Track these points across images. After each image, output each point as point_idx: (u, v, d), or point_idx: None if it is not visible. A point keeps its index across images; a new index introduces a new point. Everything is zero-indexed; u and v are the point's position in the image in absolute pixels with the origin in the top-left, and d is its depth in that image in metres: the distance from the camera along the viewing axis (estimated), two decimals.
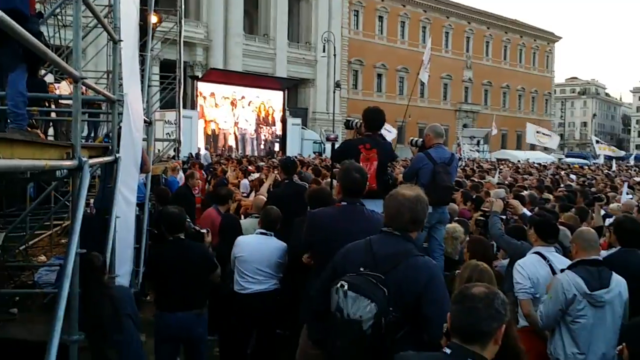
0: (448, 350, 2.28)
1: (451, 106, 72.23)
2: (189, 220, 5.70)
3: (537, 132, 27.24)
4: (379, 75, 65.79)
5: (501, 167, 24.47)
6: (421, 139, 6.52)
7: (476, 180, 13.20)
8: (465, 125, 67.95)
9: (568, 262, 4.80)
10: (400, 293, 2.84)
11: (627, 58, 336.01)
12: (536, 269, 4.73)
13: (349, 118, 7.04)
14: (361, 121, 6.07)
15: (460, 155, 25.76)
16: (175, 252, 5.01)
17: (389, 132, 29.10)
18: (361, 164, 5.39)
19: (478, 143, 46.04)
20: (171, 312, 4.93)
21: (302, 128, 41.03)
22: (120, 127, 5.59)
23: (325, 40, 44.39)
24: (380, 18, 65.79)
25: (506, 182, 13.52)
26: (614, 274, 4.33)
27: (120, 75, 5.85)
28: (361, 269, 2.92)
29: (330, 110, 50.31)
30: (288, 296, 5.49)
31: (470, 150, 40.73)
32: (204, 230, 5.73)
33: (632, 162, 43.89)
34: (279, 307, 5.56)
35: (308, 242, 4.14)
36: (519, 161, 36.65)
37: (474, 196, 9.05)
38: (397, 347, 2.70)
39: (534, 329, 4.57)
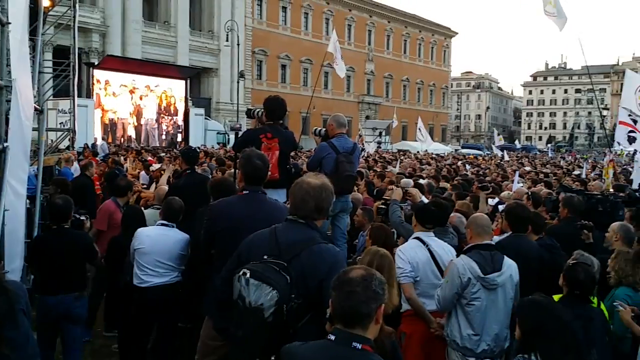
0: (332, 337, 2.32)
1: (354, 98, 73.54)
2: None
3: (420, 129, 29.67)
4: (283, 66, 65.85)
5: (402, 157, 25.16)
6: (324, 129, 6.57)
7: (379, 170, 13.53)
8: (367, 117, 69.37)
9: (446, 245, 5.06)
10: (304, 280, 2.85)
11: (518, 54, 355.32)
12: (416, 253, 4.91)
13: (250, 107, 6.98)
14: (263, 110, 6.04)
15: (363, 146, 26.30)
16: (57, 240, 5.26)
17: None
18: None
19: (380, 134, 47.12)
20: (52, 294, 5.15)
21: (206, 118, 40.37)
22: (8, 115, 5.24)
23: (228, 29, 43.72)
24: (284, 9, 65.77)
25: (407, 172, 13.91)
26: (505, 257, 4.56)
27: (8, 61, 5.48)
28: (265, 257, 2.90)
29: (234, 101, 49.60)
30: (190, 288, 5.40)
31: (372, 141, 41.68)
32: (83, 218, 5.84)
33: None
34: (181, 300, 5.45)
35: (210, 232, 4.05)
36: (418, 152, 37.83)
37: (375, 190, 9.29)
38: (301, 333, 2.71)
39: (416, 312, 4.76)
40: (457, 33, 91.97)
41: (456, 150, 54.48)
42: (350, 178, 6.31)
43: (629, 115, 15.30)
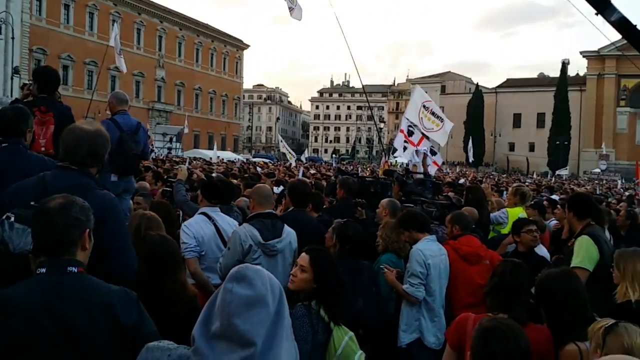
0: (42, 270, 2.24)
1: (144, 104, 71.08)
2: None
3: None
4: (65, 67, 61.47)
5: (193, 161, 25.13)
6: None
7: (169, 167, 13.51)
8: (158, 124, 67.59)
9: (232, 220, 5.22)
10: None
11: (306, 71, 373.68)
12: (201, 228, 4.98)
13: (26, 82, 6.42)
14: (34, 83, 5.59)
15: (152, 147, 25.74)
16: None
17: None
18: (35, 128, 5.02)
19: (170, 140, 46.29)
20: None
21: None
22: None
23: (1, 20, 39.71)
24: (67, 6, 61.73)
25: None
26: (286, 225, 4.78)
27: None
28: (32, 203, 2.72)
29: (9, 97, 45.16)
30: None
31: (163, 147, 40.90)
32: None
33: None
34: None
35: None
36: (210, 158, 37.94)
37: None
38: None
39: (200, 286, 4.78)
40: (248, 45, 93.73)
41: (247, 159, 55.48)
42: (136, 158, 6.11)
43: (409, 126, 16.85)
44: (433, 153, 14.83)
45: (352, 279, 4.41)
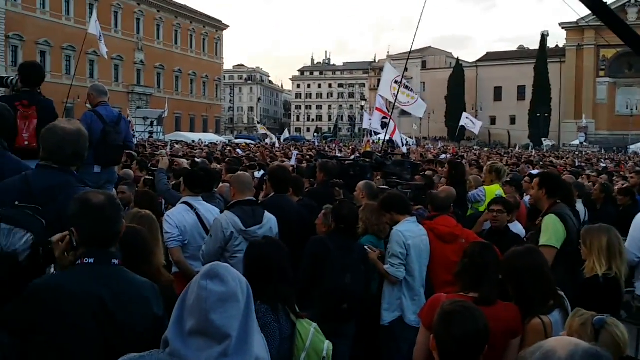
0: (90, 260, 2.42)
1: (123, 88, 70.41)
2: None
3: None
4: (43, 53, 60.66)
5: (174, 145, 25.05)
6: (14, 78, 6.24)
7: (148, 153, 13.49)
8: (139, 107, 67.04)
9: (214, 209, 5.31)
10: (60, 222, 2.82)
11: (287, 50, 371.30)
12: (184, 217, 5.09)
13: (3, 75, 6.44)
14: (18, 77, 5.64)
15: (134, 133, 25.62)
16: None
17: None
18: (18, 122, 5.08)
19: (152, 124, 45.97)
20: None
21: None
22: None
23: None
24: None
25: (180, 154, 14.03)
26: (266, 212, 4.90)
27: None
28: (16, 203, 2.81)
29: None
30: None
31: (144, 131, 40.61)
32: None
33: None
34: None
35: None
36: (193, 141, 37.81)
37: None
38: None
39: (184, 275, 4.88)
40: (228, 26, 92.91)
41: (229, 140, 55.24)
42: (119, 148, 6.20)
43: (382, 117, 17.05)
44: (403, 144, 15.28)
45: (344, 256, 4.65)
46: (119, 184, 6.44)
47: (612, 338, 2.53)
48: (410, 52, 19.41)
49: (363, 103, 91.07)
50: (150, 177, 6.54)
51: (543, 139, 62.60)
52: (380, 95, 16.48)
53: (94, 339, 2.32)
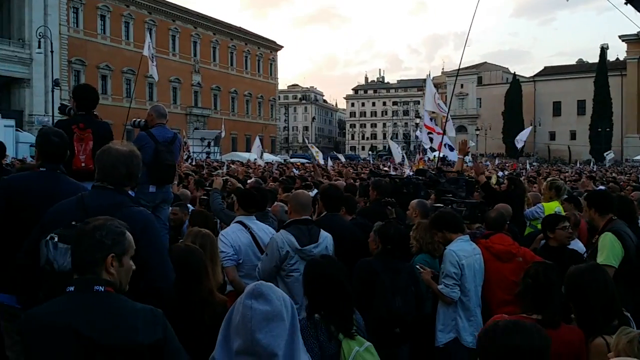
0: (71, 288, 2.38)
1: (181, 110, 72.20)
2: None
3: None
4: (104, 77, 63.00)
5: (230, 165, 25.46)
6: (143, 120, 6.50)
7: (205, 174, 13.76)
8: (196, 129, 68.55)
9: (267, 227, 5.32)
10: None
11: (340, 68, 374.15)
12: (238, 236, 5.10)
13: (65, 103, 6.67)
14: (73, 101, 5.81)
15: (189, 153, 26.15)
16: None
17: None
18: (75, 145, 5.22)
19: (209, 145, 46.82)
20: None
21: (17, 130, 37.28)
22: None
23: (40, 35, 40.65)
24: (103, 17, 63.10)
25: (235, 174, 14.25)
26: (322, 230, 4.88)
27: None
28: (73, 223, 2.88)
29: (49, 113, 46.23)
30: None
31: (202, 152, 41.43)
32: None
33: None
34: None
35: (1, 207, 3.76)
36: (248, 160, 38.27)
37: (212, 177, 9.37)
38: None
39: (239, 293, 4.91)
40: (282, 47, 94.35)
41: (285, 160, 55.68)
42: (171, 168, 6.30)
43: (430, 118, 16.91)
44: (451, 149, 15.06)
45: (392, 279, 4.57)
46: (174, 203, 6.55)
47: None
48: (459, 69, 19.22)
49: (417, 120, 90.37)
50: (205, 197, 6.63)
51: (605, 153, 60.59)
52: (426, 111, 16.43)
53: None
